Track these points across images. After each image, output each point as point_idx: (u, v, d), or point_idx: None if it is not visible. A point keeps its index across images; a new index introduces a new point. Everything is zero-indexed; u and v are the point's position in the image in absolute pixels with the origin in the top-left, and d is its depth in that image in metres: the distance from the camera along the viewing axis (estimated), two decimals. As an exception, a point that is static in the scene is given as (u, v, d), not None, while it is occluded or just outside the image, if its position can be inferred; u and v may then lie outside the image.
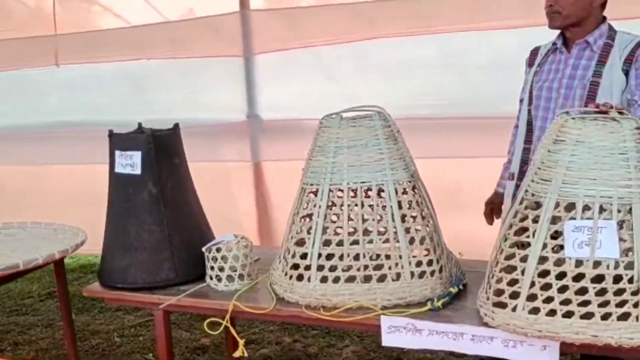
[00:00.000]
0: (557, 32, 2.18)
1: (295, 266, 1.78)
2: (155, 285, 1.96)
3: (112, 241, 2.02)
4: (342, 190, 1.75)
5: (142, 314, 3.81)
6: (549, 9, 2.10)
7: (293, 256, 1.78)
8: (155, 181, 1.99)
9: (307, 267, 1.75)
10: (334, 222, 1.77)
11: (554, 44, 2.18)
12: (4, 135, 4.40)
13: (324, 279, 1.73)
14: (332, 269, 1.73)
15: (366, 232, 1.73)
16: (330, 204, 1.77)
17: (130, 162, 2.00)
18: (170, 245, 1.98)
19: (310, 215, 1.81)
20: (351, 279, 1.71)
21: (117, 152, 2.02)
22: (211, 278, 1.92)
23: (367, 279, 1.71)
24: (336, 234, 1.75)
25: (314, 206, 1.78)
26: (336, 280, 1.72)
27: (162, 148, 2.02)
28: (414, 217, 1.79)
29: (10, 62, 4.34)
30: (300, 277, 1.76)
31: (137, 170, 1.99)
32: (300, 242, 1.80)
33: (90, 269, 4.48)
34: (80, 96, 4.44)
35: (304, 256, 1.76)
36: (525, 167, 2.21)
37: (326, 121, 1.83)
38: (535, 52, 2.30)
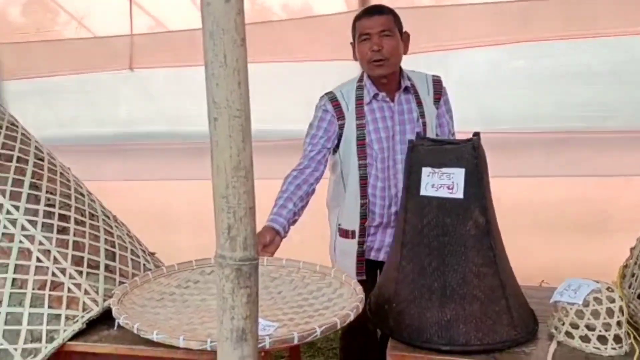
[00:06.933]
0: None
1: None
2: (494, 347, 1.46)
3: (418, 286, 1.52)
4: None
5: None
6: (374, 55, 2.00)
7: None
8: (483, 208, 1.51)
9: None
10: None
11: (376, 94, 2.08)
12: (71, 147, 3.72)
13: None
14: None
15: None
16: None
17: (448, 183, 1.51)
18: (504, 292, 1.50)
19: None
20: None
21: (426, 169, 1.53)
22: (585, 339, 1.43)
23: None
24: None
25: None
26: None
27: (485, 164, 1.55)
28: None
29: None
30: None
31: (459, 194, 1.50)
32: None
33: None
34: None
35: None
36: (366, 222, 2.14)
37: None
38: (336, 102, 2.12)
